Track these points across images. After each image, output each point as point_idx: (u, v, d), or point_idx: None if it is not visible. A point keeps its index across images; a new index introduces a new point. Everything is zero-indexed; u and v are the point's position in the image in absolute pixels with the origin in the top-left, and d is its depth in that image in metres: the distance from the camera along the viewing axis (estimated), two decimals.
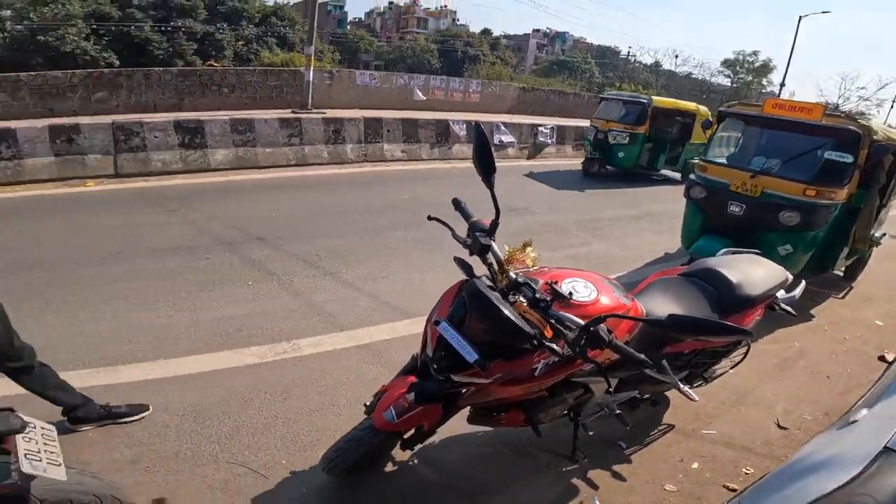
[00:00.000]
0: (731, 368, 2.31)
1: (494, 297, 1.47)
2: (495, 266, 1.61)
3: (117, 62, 26.26)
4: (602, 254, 4.80)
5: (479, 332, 1.47)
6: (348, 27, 55.90)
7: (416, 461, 2.06)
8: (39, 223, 4.41)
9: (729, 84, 42.13)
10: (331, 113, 9.25)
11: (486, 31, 54.49)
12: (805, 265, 3.76)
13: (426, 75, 17.91)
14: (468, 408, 1.76)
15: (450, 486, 1.99)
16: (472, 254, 1.63)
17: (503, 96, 18.04)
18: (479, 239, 1.60)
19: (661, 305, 1.83)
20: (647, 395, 2.24)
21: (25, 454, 1.28)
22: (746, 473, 2.20)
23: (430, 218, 1.75)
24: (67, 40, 25.74)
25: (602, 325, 1.37)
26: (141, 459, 1.94)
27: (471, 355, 1.42)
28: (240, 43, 29.90)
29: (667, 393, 2.50)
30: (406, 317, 3.17)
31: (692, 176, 4.20)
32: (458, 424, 1.89)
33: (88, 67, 20.89)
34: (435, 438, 2.01)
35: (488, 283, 1.56)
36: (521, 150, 9.69)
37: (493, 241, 1.61)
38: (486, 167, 1.59)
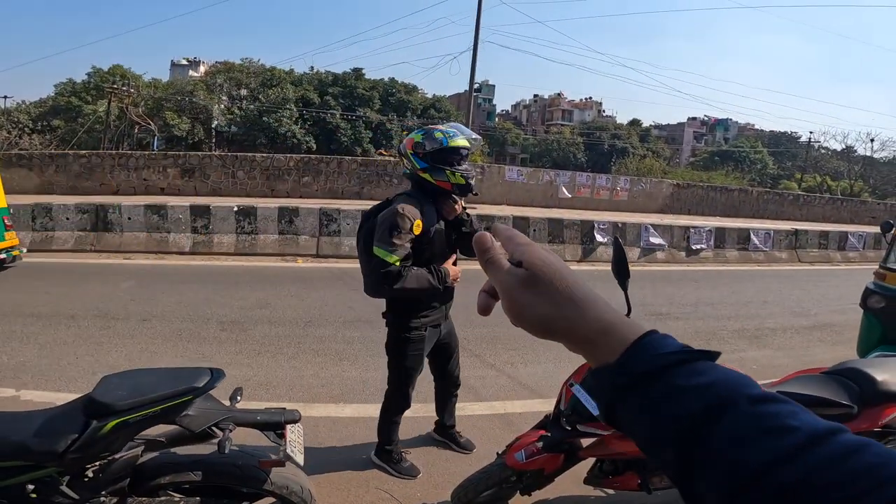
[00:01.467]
0: None
1: None
2: None
3: (314, 146, 31.31)
4: (758, 360, 4.53)
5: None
6: (496, 119, 57.89)
7: None
8: (270, 289, 5.86)
9: None
10: (481, 208, 10.22)
11: (634, 122, 52.61)
12: None
13: (572, 172, 18.51)
14: (585, 472, 1.99)
15: None
16: None
17: (654, 194, 17.67)
18: None
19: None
20: None
21: (289, 441, 1.71)
22: None
23: None
24: (283, 122, 31.50)
25: None
26: (312, 470, 2.51)
27: (595, 409, 1.71)
28: (404, 132, 34.28)
29: None
30: (539, 397, 3.54)
31: (870, 284, 3.91)
32: (574, 487, 2.12)
33: (295, 150, 25.73)
34: (550, 495, 2.26)
35: None
36: (672, 253, 9.48)
37: None
38: (621, 275, 1.84)
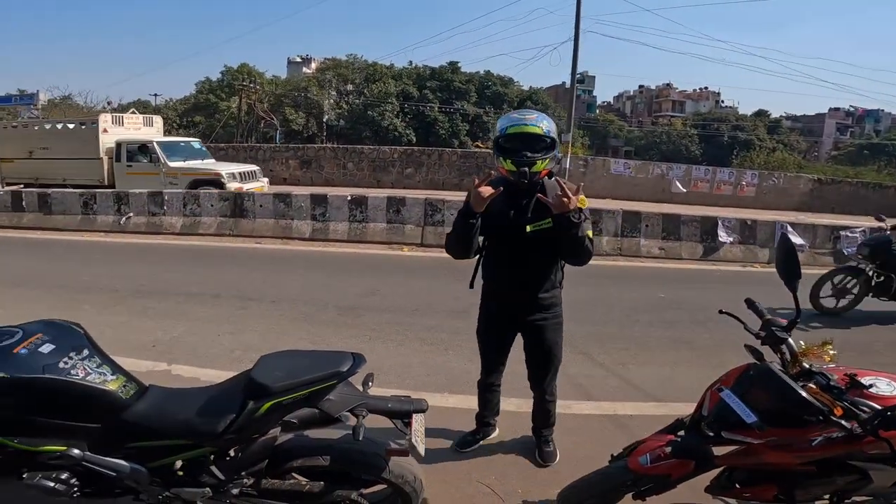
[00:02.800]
0: None
1: (785, 375, 1.58)
2: (788, 357, 1.69)
3: (414, 138, 32.46)
4: None
5: (763, 402, 1.57)
6: (597, 111, 55.99)
7: None
8: (379, 277, 6.18)
9: None
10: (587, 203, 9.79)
11: (761, 113, 47.39)
12: None
13: (686, 165, 16.97)
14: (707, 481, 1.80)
15: None
16: (763, 344, 1.76)
17: (788, 190, 15.59)
18: (775, 332, 1.72)
19: None
20: None
21: (414, 430, 1.71)
22: None
23: (721, 312, 1.95)
24: (385, 116, 33.02)
25: None
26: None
27: (749, 417, 1.54)
28: None
29: None
30: (653, 400, 3.32)
31: None
32: (692, 495, 1.91)
33: (396, 142, 26.88)
34: (662, 500, 2.04)
35: (779, 368, 1.66)
36: (815, 256, 8.30)
37: (790, 337, 1.72)
38: (790, 273, 1.72)
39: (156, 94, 41.66)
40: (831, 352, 1.75)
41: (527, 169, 2.12)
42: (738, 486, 1.82)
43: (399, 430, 1.73)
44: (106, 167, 12.33)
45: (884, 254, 5.19)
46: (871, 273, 5.23)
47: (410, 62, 41.11)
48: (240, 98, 31.18)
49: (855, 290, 5.37)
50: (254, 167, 12.36)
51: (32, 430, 1.61)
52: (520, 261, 2.26)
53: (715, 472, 1.90)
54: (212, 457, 1.71)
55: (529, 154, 2.12)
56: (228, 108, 33.59)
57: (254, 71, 37.11)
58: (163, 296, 5.21)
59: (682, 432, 1.89)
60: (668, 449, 1.77)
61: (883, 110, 52.01)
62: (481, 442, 2.79)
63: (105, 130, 12.53)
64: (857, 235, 8.32)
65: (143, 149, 11.69)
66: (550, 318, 2.42)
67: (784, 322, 1.75)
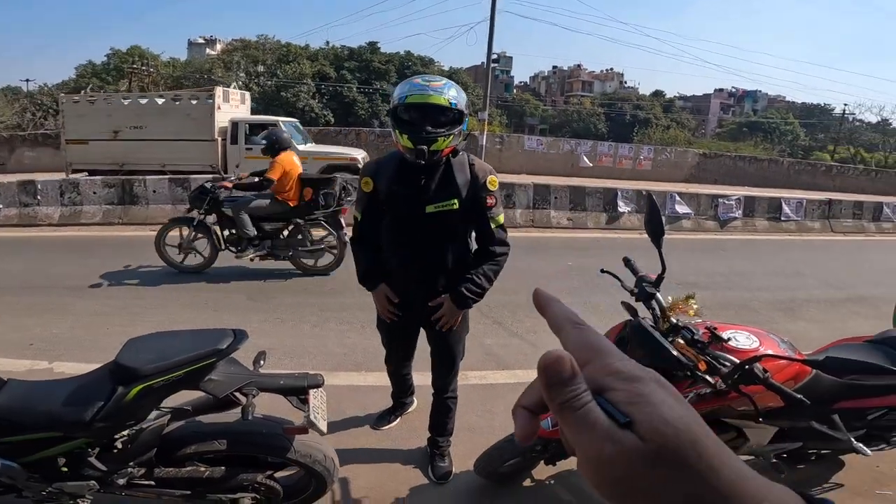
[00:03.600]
0: None
1: (655, 332, 1.66)
2: (658, 312, 1.78)
3: (332, 119, 31.51)
4: (791, 332, 4.38)
5: (638, 359, 1.66)
6: (514, 91, 57.46)
7: (552, 482, 2.29)
8: None
9: None
10: (501, 177, 10.06)
11: (658, 93, 51.78)
12: None
13: (593, 141, 18.10)
14: None
15: None
16: (637, 300, 1.86)
17: (679, 164, 17.24)
18: (645, 288, 1.81)
19: None
20: (812, 452, 2.09)
21: (312, 407, 1.65)
22: None
23: (602, 271, 2.04)
24: (301, 97, 31.65)
25: (757, 364, 1.43)
26: (335, 438, 2.56)
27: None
28: None
29: (843, 457, 2.33)
30: None
31: None
32: None
33: (313, 124, 26.02)
34: (574, 464, 2.19)
35: (650, 324, 1.75)
36: (699, 222, 9.24)
37: (658, 291, 1.81)
38: (655, 230, 1.77)
39: (28, 80, 36.35)
40: (695, 305, 1.82)
41: (425, 147, 1.77)
42: None
43: (295, 407, 1.67)
44: (220, 150, 10.31)
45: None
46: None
47: (327, 42, 39.57)
48: (129, 80, 28.18)
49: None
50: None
51: None
52: (419, 246, 1.94)
53: None
54: (92, 449, 1.60)
55: (431, 129, 1.77)
56: (117, 92, 30.29)
57: (146, 53, 33.83)
58: (41, 291, 4.66)
59: None
60: None
61: (760, 91, 58.65)
62: (401, 417, 2.80)
63: (218, 107, 10.33)
64: (733, 203, 9.40)
65: (263, 129, 9.02)
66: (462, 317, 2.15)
67: (653, 278, 1.83)
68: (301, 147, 9.95)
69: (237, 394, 1.61)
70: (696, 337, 1.62)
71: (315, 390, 1.69)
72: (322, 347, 3.62)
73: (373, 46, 36.13)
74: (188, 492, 1.76)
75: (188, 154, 10.33)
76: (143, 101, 11.03)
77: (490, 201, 1.94)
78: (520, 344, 3.87)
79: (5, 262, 5.72)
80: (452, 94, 1.81)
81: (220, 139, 10.42)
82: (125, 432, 1.63)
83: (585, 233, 8.26)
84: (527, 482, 2.29)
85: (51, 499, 1.67)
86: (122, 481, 1.66)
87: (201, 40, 50.93)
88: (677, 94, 54.65)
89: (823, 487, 2.28)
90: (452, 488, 2.29)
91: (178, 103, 10.71)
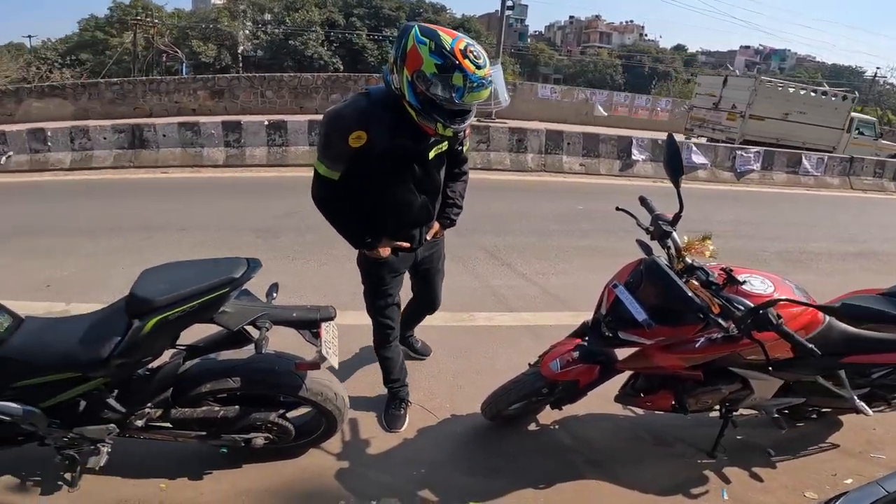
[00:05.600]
0: None
1: (670, 271, 1.62)
2: (673, 251, 1.72)
3: (341, 67, 30.84)
4: (800, 284, 4.37)
5: (652, 298, 1.61)
6: (528, 40, 56.18)
7: (557, 427, 2.29)
8: (300, 199, 5.77)
9: None
10: (513, 123, 9.85)
11: (679, 48, 49.91)
12: None
13: (609, 91, 17.52)
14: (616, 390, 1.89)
15: (582, 453, 2.18)
16: (652, 239, 1.81)
17: None
18: (661, 226, 1.74)
19: None
20: (813, 409, 2.09)
21: (324, 341, 1.61)
22: None
23: (617, 209, 1.97)
24: (309, 45, 31.00)
25: (771, 308, 1.40)
26: (342, 378, 2.52)
27: (640, 314, 1.58)
28: None
29: (841, 417, 2.33)
30: (569, 309, 3.45)
31: None
32: (605, 404, 2.08)
33: (322, 71, 25.53)
34: (579, 411, 2.24)
35: (665, 263, 1.70)
36: (715, 172, 8.99)
37: (674, 230, 1.75)
38: (674, 169, 1.72)
39: (30, 36, 35.93)
40: (711, 246, 1.80)
41: (461, 135, 1.82)
42: (641, 394, 1.89)
43: (308, 341, 1.62)
44: (841, 137, 13.55)
45: None
46: None
47: None
48: (134, 32, 27.61)
49: None
50: None
51: None
52: (423, 189, 1.88)
53: (622, 380, 1.96)
54: (110, 389, 1.59)
55: (467, 116, 1.67)
56: (122, 44, 29.70)
57: (150, 4, 32.91)
58: (54, 234, 4.69)
59: (588, 337, 1.87)
60: (576, 353, 1.80)
61: (789, 50, 56.00)
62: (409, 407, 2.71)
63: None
64: (751, 155, 9.09)
65: (867, 123, 14.14)
66: (441, 242, 2.20)
67: (670, 217, 1.76)
68: (887, 142, 14.30)
69: (249, 327, 1.56)
70: (710, 278, 1.57)
71: (327, 324, 1.64)
72: (330, 287, 3.61)
73: None
74: (203, 432, 1.76)
75: (820, 136, 13.36)
76: (809, 94, 13.94)
77: (468, 132, 1.95)
78: (526, 286, 3.84)
79: (19, 206, 5.79)
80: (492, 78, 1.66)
81: (844, 129, 13.79)
82: (141, 371, 1.62)
83: (598, 179, 8.09)
84: (532, 426, 2.29)
85: (72, 445, 1.67)
86: (140, 423, 1.66)
87: None
88: (700, 49, 52.49)
89: (820, 447, 2.28)
90: (458, 429, 2.28)
91: (825, 97, 13.85)
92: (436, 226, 2.03)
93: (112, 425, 1.63)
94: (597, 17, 61.60)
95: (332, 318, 1.65)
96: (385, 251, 1.89)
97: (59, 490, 1.81)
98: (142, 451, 1.93)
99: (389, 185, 1.81)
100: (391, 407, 2.31)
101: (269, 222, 5.00)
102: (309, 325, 1.61)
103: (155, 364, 1.66)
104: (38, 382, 1.49)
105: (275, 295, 1.72)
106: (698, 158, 8.83)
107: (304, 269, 3.91)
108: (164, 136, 7.66)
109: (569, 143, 8.16)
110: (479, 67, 1.52)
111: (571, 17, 64.50)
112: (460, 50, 1.51)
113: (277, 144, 7.55)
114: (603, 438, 2.27)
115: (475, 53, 1.52)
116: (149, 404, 1.65)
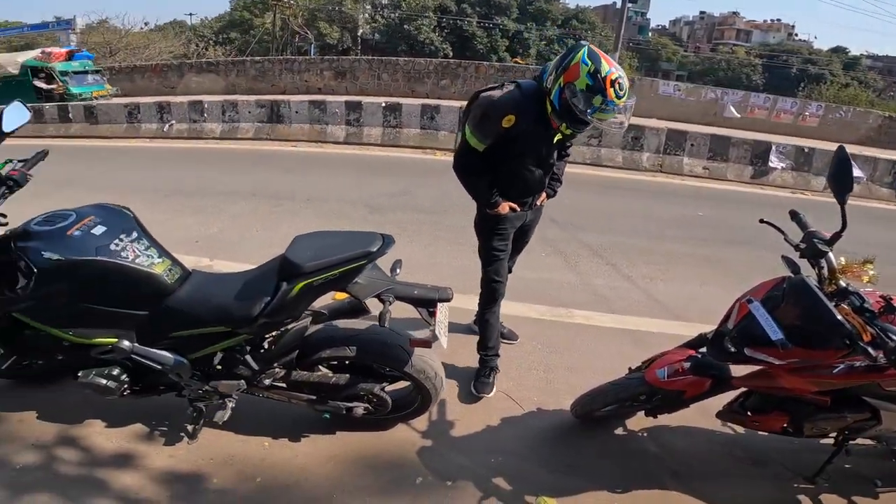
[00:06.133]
0: None
1: (820, 292, 1.50)
2: (825, 273, 1.61)
3: (451, 53, 31.23)
4: None
5: (792, 318, 1.51)
6: (649, 34, 53.02)
7: (645, 434, 2.19)
8: (411, 178, 6.16)
9: None
10: (632, 120, 9.27)
11: (838, 49, 43.46)
12: None
13: (744, 92, 15.70)
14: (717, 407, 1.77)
15: (667, 464, 2.07)
16: (801, 257, 1.68)
17: (854, 124, 14.21)
18: (816, 244, 1.62)
19: None
20: None
21: (438, 321, 1.66)
22: None
23: (762, 221, 1.85)
24: (422, 30, 31.79)
25: None
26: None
27: (776, 333, 1.48)
28: (542, 42, 32.00)
29: None
30: (675, 318, 3.26)
31: None
32: (701, 418, 1.95)
33: (432, 57, 26.14)
34: (672, 422, 2.12)
35: (815, 284, 1.58)
36: (871, 188, 7.76)
37: (831, 250, 1.62)
38: (842, 185, 1.58)
39: (191, 14, 41.20)
40: (871, 272, 1.64)
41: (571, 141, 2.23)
42: (749, 413, 1.78)
43: (424, 319, 1.67)
44: None
45: None
46: None
47: None
48: (273, 14, 30.41)
49: None
50: None
51: (85, 320, 1.61)
52: (540, 165, 2.21)
53: (728, 396, 1.85)
54: (247, 347, 1.71)
55: (584, 129, 2.06)
56: (263, 24, 32.91)
57: None
58: (204, 195, 5.38)
59: (703, 350, 1.79)
60: (687, 364, 1.73)
61: None
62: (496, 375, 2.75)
63: None
64: None
65: None
66: (541, 210, 2.49)
67: (827, 235, 1.63)
68: None
69: (373, 299, 1.63)
70: (865, 305, 1.47)
71: (442, 305, 1.69)
72: (433, 267, 3.73)
73: None
74: (314, 397, 1.85)
75: None
76: None
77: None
78: (630, 289, 3.66)
79: (177, 169, 6.73)
80: None
81: None
82: (274, 332, 1.72)
83: (723, 184, 7.35)
84: (619, 430, 2.23)
85: (204, 398, 1.80)
86: (267, 382, 1.78)
87: None
88: (865, 52, 45.21)
89: None
90: (542, 423, 2.27)
91: None
92: (542, 195, 2.37)
93: (242, 381, 1.73)
94: (734, 13, 56.32)
95: (448, 300, 1.69)
96: (504, 208, 2.20)
97: (180, 441, 1.98)
98: (253, 409, 2.08)
99: (520, 159, 2.15)
100: (482, 375, 2.43)
101: (380, 199, 5.30)
102: (427, 303, 1.67)
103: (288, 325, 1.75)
104: (192, 334, 1.62)
105: (398, 270, 1.78)
106: (855, 172, 7.62)
107: (410, 248, 4.07)
108: (297, 112, 8.44)
109: (692, 144, 7.52)
110: (618, 97, 1.86)
111: (702, 12, 59.76)
112: (611, 79, 1.84)
113: (392, 126, 7.94)
114: (692, 451, 2.15)
115: (620, 85, 1.85)
116: (276, 364, 1.75)
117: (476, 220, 2.36)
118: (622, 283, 3.76)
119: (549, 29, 32.93)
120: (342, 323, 1.81)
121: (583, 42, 1.97)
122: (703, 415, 1.95)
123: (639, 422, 2.20)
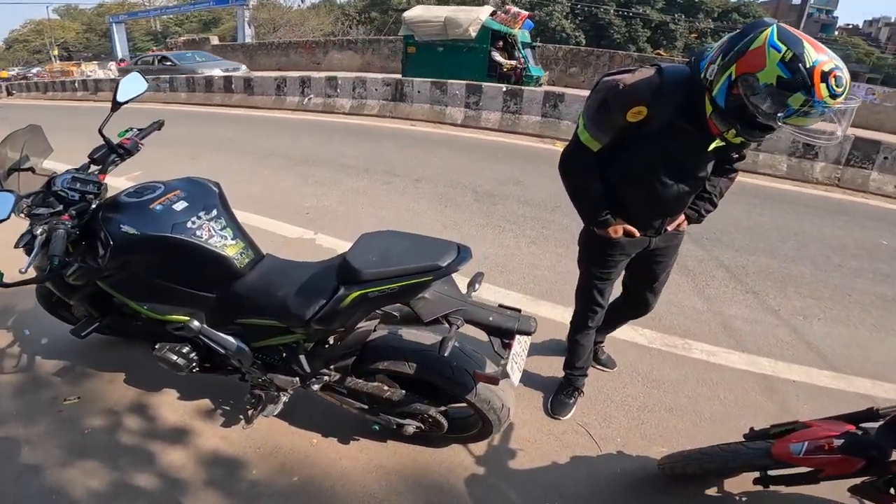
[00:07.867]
0: None
1: None
2: None
3: (584, 41, 29.65)
4: None
5: None
6: (835, 32, 47.44)
7: (745, 499, 1.78)
8: (525, 168, 5.81)
9: None
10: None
11: None
12: None
13: None
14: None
15: None
16: None
17: None
18: None
19: None
20: None
21: (513, 354, 1.46)
22: None
23: None
24: (554, 17, 30.58)
25: None
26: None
27: None
28: (692, 35, 28.59)
29: None
30: (831, 369, 2.57)
31: None
32: (818, 487, 1.47)
33: (564, 43, 24.97)
34: (782, 487, 1.62)
35: None
36: None
37: None
38: None
39: None
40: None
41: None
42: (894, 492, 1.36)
43: (495, 351, 1.45)
44: None
45: None
46: None
47: None
48: None
49: None
50: None
51: (159, 296, 1.62)
52: (682, 179, 1.65)
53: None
54: (306, 345, 1.65)
55: (767, 133, 1.43)
56: (400, 4, 34.19)
57: None
58: (327, 167, 5.67)
59: (869, 424, 1.40)
60: (839, 442, 1.34)
61: None
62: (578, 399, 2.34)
63: None
64: None
65: None
66: (680, 238, 1.93)
67: None
68: None
69: (443, 318, 1.46)
70: None
71: (521, 336, 1.47)
72: (534, 268, 3.43)
73: None
74: (365, 406, 1.78)
75: None
76: None
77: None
78: (775, 326, 2.96)
79: (308, 139, 7.19)
80: None
81: None
82: (332, 339, 1.65)
83: None
84: (711, 490, 1.83)
85: (263, 387, 1.79)
86: (318, 385, 1.73)
87: None
88: None
89: None
90: (619, 468, 1.94)
91: None
92: (681, 217, 1.80)
93: (296, 379, 1.69)
94: None
95: (530, 333, 1.45)
96: (617, 230, 1.74)
97: (236, 424, 2.01)
98: (311, 402, 2.05)
99: (650, 168, 1.62)
100: (562, 393, 2.18)
101: (490, 186, 5.06)
102: (503, 333, 1.43)
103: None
104: (254, 323, 1.59)
105: (477, 287, 1.57)
106: None
107: (514, 244, 3.80)
108: (419, 92, 8.53)
109: (885, 158, 6.01)
110: (833, 97, 1.23)
111: None
112: (822, 72, 1.22)
113: (511, 111, 7.62)
114: None
115: (838, 80, 1.22)
116: (332, 367, 1.68)
117: (582, 232, 1.93)
118: (764, 316, 3.07)
119: (701, 21, 29.28)
120: (408, 332, 1.67)
121: (767, 19, 1.35)
122: (824, 484, 1.48)
123: (740, 483, 1.78)
